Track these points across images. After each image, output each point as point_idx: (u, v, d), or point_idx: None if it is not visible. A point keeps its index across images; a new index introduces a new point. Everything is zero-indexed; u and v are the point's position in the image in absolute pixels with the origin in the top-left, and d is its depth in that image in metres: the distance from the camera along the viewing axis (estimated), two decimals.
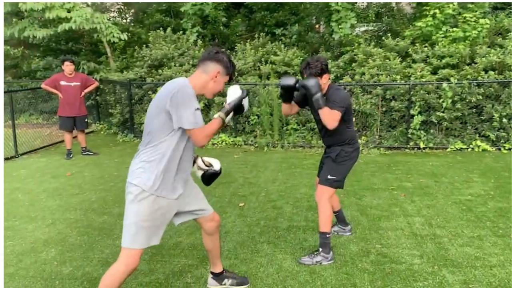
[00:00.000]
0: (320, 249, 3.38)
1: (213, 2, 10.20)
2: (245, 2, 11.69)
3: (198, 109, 2.36)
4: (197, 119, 2.34)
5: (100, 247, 3.76)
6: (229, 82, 2.64)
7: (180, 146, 2.43)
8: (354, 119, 3.56)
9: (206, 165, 2.78)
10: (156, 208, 2.41)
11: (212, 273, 3.03)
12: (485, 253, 3.50)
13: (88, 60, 11.40)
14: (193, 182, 2.74)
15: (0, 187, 5.35)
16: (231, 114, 2.53)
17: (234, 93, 2.56)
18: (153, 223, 2.42)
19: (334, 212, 3.85)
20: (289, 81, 3.29)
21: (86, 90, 7.47)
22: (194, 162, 2.79)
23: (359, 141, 3.48)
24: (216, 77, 2.49)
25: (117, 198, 5.10)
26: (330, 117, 3.16)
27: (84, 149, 7.64)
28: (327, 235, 3.39)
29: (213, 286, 3.04)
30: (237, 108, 2.58)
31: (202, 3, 9.77)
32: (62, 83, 7.22)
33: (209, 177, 2.81)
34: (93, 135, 9.78)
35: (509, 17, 9.30)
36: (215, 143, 8.20)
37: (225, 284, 3.02)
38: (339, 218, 3.93)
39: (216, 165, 2.80)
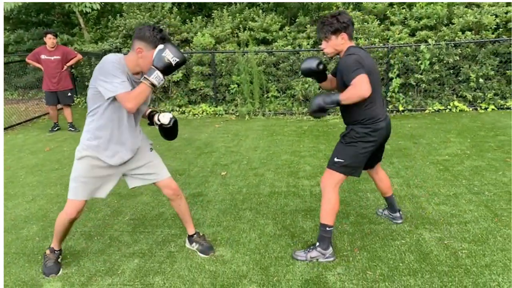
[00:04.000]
0: (317, 243, 2.94)
1: None
2: None
3: (123, 81, 2.44)
4: (115, 87, 2.42)
5: (82, 221, 3.76)
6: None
7: (113, 116, 2.61)
8: (379, 90, 2.88)
9: (156, 122, 2.86)
10: (91, 167, 2.70)
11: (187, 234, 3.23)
12: (461, 210, 3.61)
13: (61, 32, 11.06)
14: (147, 150, 2.88)
15: None
16: (157, 73, 2.45)
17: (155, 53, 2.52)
18: (91, 180, 2.73)
19: (384, 197, 3.46)
20: (310, 63, 2.94)
21: (68, 64, 7.21)
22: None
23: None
24: (141, 53, 2.52)
25: None
26: (352, 93, 2.60)
27: (69, 124, 7.46)
28: (327, 228, 2.90)
29: (188, 246, 3.22)
30: (165, 66, 2.46)
31: None
32: (43, 56, 7.00)
33: (164, 133, 2.93)
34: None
35: None
36: (196, 114, 8.13)
37: (193, 247, 3.17)
38: (388, 203, 3.48)
39: (163, 118, 2.82)
